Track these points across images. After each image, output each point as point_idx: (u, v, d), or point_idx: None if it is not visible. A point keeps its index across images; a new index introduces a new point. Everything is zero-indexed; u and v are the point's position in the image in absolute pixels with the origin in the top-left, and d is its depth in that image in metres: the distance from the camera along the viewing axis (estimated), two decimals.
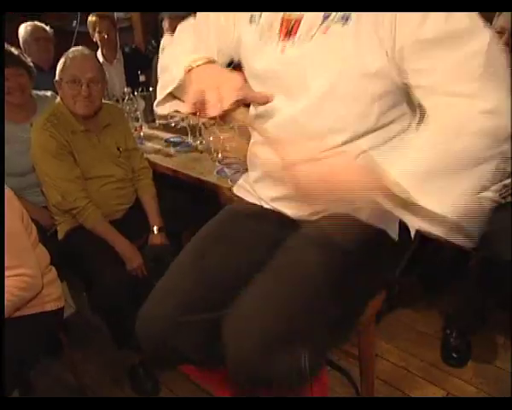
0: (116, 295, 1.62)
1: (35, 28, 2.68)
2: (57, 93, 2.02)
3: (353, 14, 0.84)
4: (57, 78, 1.75)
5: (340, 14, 0.86)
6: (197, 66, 0.90)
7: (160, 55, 1.12)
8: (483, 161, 0.76)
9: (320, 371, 1.02)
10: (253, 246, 1.05)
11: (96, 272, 1.65)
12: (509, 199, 1.71)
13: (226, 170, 1.79)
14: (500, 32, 1.69)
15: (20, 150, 1.90)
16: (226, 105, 0.82)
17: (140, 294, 1.69)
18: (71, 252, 1.74)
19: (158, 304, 0.99)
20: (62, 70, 1.72)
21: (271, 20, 0.97)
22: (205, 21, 1.09)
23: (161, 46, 1.12)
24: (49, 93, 2.16)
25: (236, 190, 1.24)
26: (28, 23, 2.70)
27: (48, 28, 2.75)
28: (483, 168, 0.76)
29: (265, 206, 1.12)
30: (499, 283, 1.66)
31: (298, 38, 0.92)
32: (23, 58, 1.94)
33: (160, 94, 1.01)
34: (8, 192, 1.31)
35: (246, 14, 1.03)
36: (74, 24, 3.88)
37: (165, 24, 2.92)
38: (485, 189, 0.78)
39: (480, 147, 0.75)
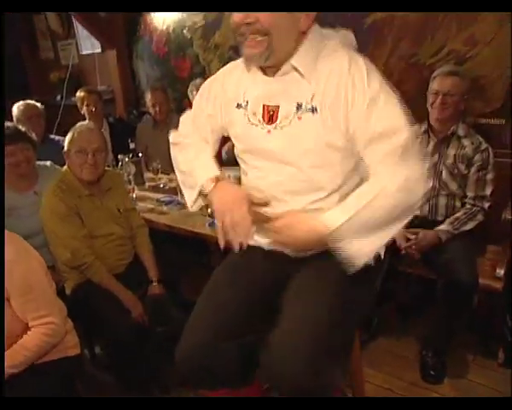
0: (124, 338, 1.78)
1: (27, 107, 2.88)
2: (55, 162, 2.27)
3: (318, 107, 1.14)
4: (65, 149, 1.97)
5: (308, 106, 1.15)
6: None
7: (171, 148, 1.47)
8: (396, 222, 1.10)
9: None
10: (268, 280, 1.29)
11: (104, 320, 1.81)
12: (461, 229, 2.00)
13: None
14: (435, 94, 2.05)
15: (26, 215, 2.09)
16: (246, 237, 1.16)
17: (143, 337, 1.88)
18: (79, 305, 1.88)
19: (195, 335, 1.20)
20: (71, 142, 1.95)
21: (254, 108, 1.25)
22: (200, 113, 1.39)
23: (171, 140, 1.46)
24: (48, 163, 2.36)
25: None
26: (21, 103, 2.89)
27: (39, 105, 2.98)
28: (395, 226, 1.11)
29: (266, 248, 1.34)
30: (461, 305, 1.91)
31: (279, 123, 1.19)
32: (29, 134, 2.15)
33: (191, 197, 1.37)
34: (32, 249, 1.49)
35: (233, 102, 1.30)
36: (58, 98, 4.15)
37: (148, 95, 3.21)
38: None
39: (395, 214, 1.09)
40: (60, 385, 1.49)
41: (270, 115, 1.21)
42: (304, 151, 1.17)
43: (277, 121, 1.19)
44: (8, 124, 2.18)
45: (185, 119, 1.46)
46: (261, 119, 1.22)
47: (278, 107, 1.19)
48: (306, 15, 1.12)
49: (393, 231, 1.11)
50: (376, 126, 1.09)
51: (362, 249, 1.08)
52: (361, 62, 1.13)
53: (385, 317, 2.35)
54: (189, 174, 1.36)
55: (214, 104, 1.34)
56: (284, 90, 1.18)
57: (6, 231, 1.45)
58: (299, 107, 1.16)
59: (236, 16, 1.11)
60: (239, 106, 1.28)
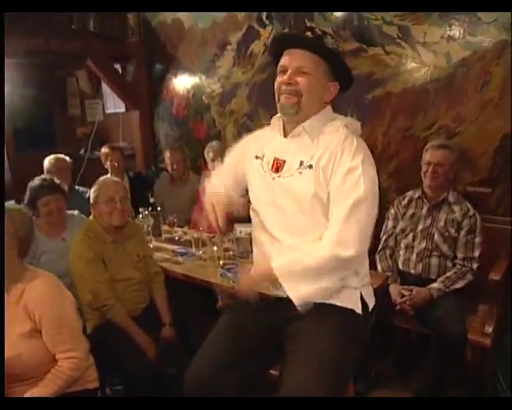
0: (138, 376, 1.93)
1: (57, 160, 3.16)
2: (82, 212, 2.51)
3: (314, 166, 1.39)
4: (92, 201, 2.19)
5: (308, 164, 1.40)
6: None
7: (205, 183, 1.73)
8: (329, 273, 1.36)
9: None
10: (267, 320, 1.49)
11: (121, 358, 1.96)
12: (452, 288, 2.17)
13: (228, 273, 2.20)
14: (427, 164, 2.29)
15: (54, 259, 2.29)
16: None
17: (156, 374, 2.02)
18: (99, 343, 2.04)
19: (204, 361, 1.40)
20: (98, 194, 2.17)
21: (268, 160, 1.52)
22: (223, 166, 1.70)
23: (205, 183, 1.73)
24: (75, 212, 2.60)
25: None
26: (52, 156, 3.17)
27: (68, 159, 3.26)
28: (329, 277, 1.36)
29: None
30: (450, 357, 2.05)
31: (283, 173, 1.45)
32: (62, 186, 2.40)
33: None
34: (66, 288, 1.68)
35: (253, 154, 1.57)
36: (82, 151, 4.47)
37: (167, 154, 3.49)
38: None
39: (330, 266, 1.34)
40: None
41: (278, 166, 1.47)
42: (296, 198, 1.42)
43: (282, 172, 1.45)
44: (44, 176, 2.43)
45: (215, 172, 1.76)
46: (270, 168, 1.49)
47: (285, 161, 1.46)
48: (333, 89, 1.44)
49: (326, 281, 1.36)
50: (345, 189, 1.33)
51: (300, 292, 1.35)
52: (354, 142, 1.37)
53: (383, 370, 2.47)
54: None
55: (237, 156, 1.66)
56: (292, 149, 1.46)
57: (43, 271, 1.66)
58: (301, 163, 1.42)
59: (281, 78, 1.42)
60: (257, 157, 1.56)
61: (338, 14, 2.77)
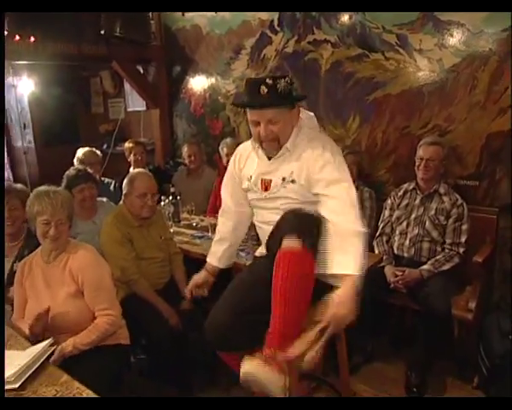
0: (163, 342, 2.22)
1: (90, 153, 3.47)
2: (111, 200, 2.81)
3: (296, 179, 1.68)
4: (125, 191, 2.47)
5: (290, 179, 1.70)
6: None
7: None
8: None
9: None
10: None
11: (148, 326, 2.25)
12: (440, 269, 2.43)
13: (241, 253, 2.48)
14: (421, 159, 2.55)
15: (87, 239, 2.56)
16: None
17: (178, 340, 2.30)
18: (127, 314, 2.33)
19: (220, 312, 1.69)
20: (132, 187, 2.44)
21: (256, 181, 1.81)
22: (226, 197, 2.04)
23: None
24: (104, 199, 2.90)
25: (257, 254, 1.98)
26: (86, 149, 3.46)
27: (98, 152, 3.56)
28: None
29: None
30: (437, 331, 2.30)
31: (271, 190, 1.76)
32: (94, 176, 2.71)
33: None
34: (103, 259, 1.98)
35: (244, 175, 1.86)
36: (104, 147, 4.78)
37: (184, 148, 3.79)
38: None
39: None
40: (114, 365, 1.92)
41: (266, 186, 1.79)
42: (288, 203, 1.71)
43: (270, 189, 1.76)
44: (79, 167, 2.74)
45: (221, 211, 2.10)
46: (260, 188, 1.80)
47: (271, 181, 1.77)
48: (297, 112, 1.73)
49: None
50: (326, 176, 1.63)
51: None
52: (319, 144, 1.69)
53: (379, 345, 2.74)
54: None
55: (234, 178, 1.96)
56: (275, 169, 1.75)
57: (85, 243, 1.96)
58: (283, 179, 1.73)
59: (257, 130, 1.69)
60: (247, 179, 1.86)
61: (343, 22, 3.04)
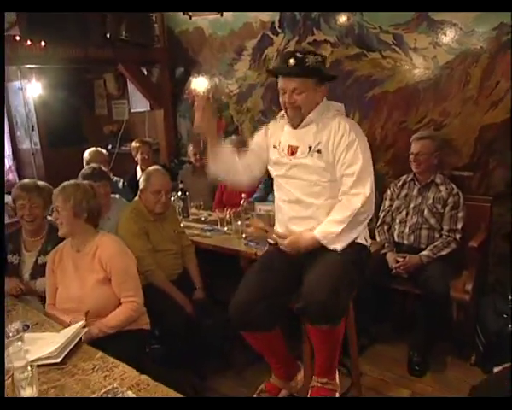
0: (179, 328, 2.35)
1: (97, 153, 3.61)
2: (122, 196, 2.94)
3: (322, 150, 1.85)
4: (141, 187, 2.61)
5: (316, 149, 1.87)
6: None
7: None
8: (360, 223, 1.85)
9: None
10: (291, 262, 1.94)
11: (165, 314, 2.38)
12: (438, 254, 2.58)
13: (251, 243, 2.64)
14: (411, 154, 2.71)
15: None
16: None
17: (192, 327, 2.43)
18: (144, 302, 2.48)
19: (243, 294, 1.86)
20: (148, 184, 2.58)
21: (283, 147, 1.96)
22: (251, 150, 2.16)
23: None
24: (117, 196, 3.03)
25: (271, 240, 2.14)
26: (92, 149, 3.62)
27: (104, 151, 3.70)
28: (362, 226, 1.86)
29: None
30: (436, 312, 2.45)
31: (297, 156, 1.92)
32: (108, 174, 2.84)
33: None
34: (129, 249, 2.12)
35: (271, 143, 2.04)
36: (109, 147, 4.90)
37: (190, 147, 3.93)
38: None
39: (362, 217, 1.84)
40: (135, 348, 2.04)
41: (292, 151, 1.94)
42: (310, 171, 1.89)
43: (296, 154, 1.93)
44: (94, 165, 2.87)
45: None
46: (287, 153, 1.96)
47: (298, 147, 1.93)
48: (323, 90, 1.89)
49: (356, 231, 1.85)
50: (350, 167, 1.83)
51: (343, 243, 1.81)
52: (347, 125, 1.86)
53: (381, 330, 2.88)
54: None
55: (260, 143, 2.12)
56: (301, 138, 1.93)
57: (112, 235, 2.10)
58: (310, 148, 1.89)
59: (283, 98, 1.89)
60: (275, 147, 2.02)
61: (341, 23, 3.19)
